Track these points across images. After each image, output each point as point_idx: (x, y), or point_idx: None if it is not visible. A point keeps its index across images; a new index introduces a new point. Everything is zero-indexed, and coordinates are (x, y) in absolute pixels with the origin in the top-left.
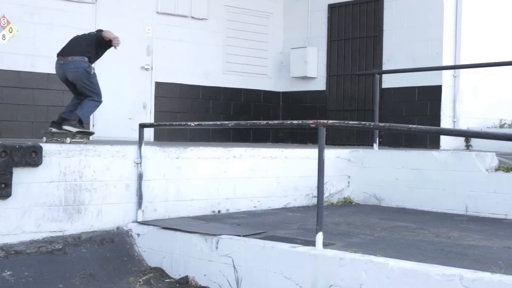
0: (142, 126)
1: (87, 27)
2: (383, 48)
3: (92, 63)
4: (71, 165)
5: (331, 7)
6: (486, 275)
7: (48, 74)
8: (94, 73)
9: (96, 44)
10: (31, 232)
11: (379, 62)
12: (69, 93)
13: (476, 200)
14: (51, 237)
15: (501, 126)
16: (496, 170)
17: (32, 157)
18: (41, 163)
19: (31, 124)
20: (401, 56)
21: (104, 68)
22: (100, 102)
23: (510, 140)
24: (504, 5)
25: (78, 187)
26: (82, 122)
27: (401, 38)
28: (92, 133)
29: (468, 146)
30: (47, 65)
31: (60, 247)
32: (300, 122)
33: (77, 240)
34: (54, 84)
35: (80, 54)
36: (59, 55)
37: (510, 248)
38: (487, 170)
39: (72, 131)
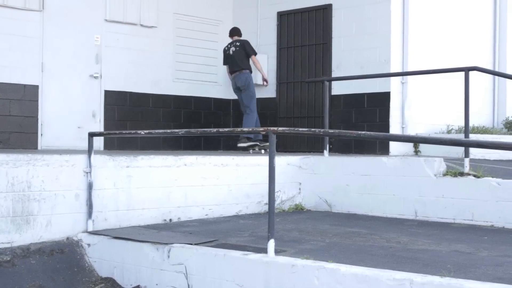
0: (92, 135)
1: (34, 35)
2: (332, 55)
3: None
4: (19, 175)
5: (280, 15)
6: (436, 279)
7: None
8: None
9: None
10: None
11: (328, 69)
12: (15, 102)
13: (425, 205)
14: None
15: (449, 132)
16: (444, 175)
17: None
18: None
19: None
20: (350, 63)
21: (53, 77)
22: None
23: (457, 145)
24: (450, 14)
25: (26, 198)
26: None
27: (349, 46)
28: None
29: (417, 152)
30: None
31: (9, 258)
32: (250, 129)
33: (26, 252)
34: (0, 93)
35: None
36: None
37: (459, 252)
38: (435, 175)
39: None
